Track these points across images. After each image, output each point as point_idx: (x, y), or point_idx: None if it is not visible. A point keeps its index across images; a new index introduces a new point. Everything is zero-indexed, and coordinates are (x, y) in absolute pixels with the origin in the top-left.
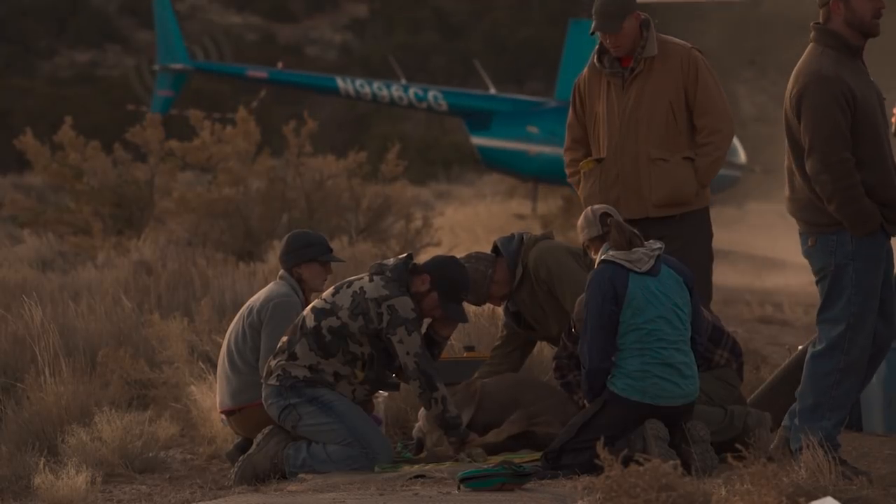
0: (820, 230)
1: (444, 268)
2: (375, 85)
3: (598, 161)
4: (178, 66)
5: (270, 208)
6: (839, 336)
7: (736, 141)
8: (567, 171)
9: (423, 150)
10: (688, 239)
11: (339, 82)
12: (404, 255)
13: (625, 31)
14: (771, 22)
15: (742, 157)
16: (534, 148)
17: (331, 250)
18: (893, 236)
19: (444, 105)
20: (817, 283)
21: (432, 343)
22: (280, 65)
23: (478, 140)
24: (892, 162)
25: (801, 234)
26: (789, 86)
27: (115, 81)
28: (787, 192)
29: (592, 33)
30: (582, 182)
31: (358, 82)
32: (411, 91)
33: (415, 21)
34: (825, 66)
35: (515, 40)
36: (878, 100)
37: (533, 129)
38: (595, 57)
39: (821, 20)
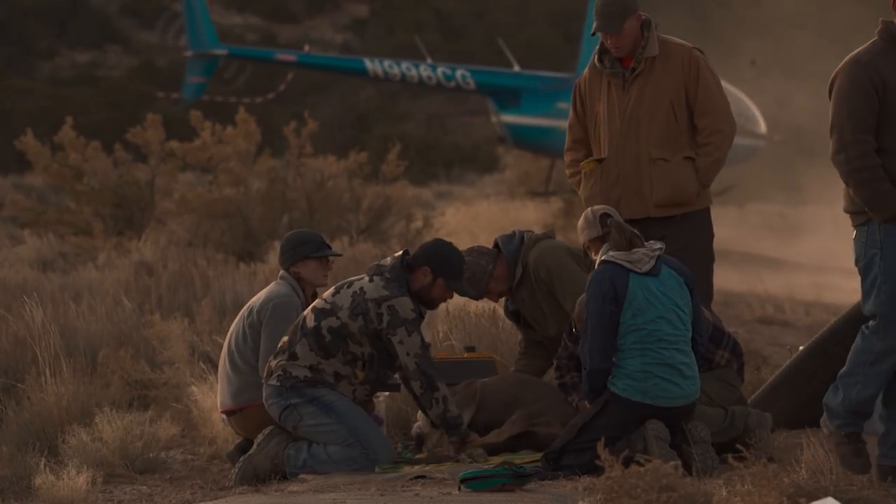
0: (857, 220)
1: (438, 252)
2: (404, 65)
3: (599, 161)
4: (217, 51)
5: (271, 209)
6: (876, 325)
7: (755, 110)
8: (567, 172)
9: (423, 150)
10: (689, 239)
11: (368, 63)
12: (399, 252)
13: (626, 31)
14: (772, 23)
15: (762, 126)
16: (565, 124)
17: (328, 246)
18: None
19: (472, 83)
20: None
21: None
22: (307, 48)
23: (508, 118)
24: None
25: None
26: None
27: (115, 82)
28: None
29: (594, 34)
30: (583, 182)
31: (386, 63)
32: (439, 70)
33: (415, 21)
34: (864, 52)
35: (516, 41)
36: None
37: (564, 106)
38: (596, 57)
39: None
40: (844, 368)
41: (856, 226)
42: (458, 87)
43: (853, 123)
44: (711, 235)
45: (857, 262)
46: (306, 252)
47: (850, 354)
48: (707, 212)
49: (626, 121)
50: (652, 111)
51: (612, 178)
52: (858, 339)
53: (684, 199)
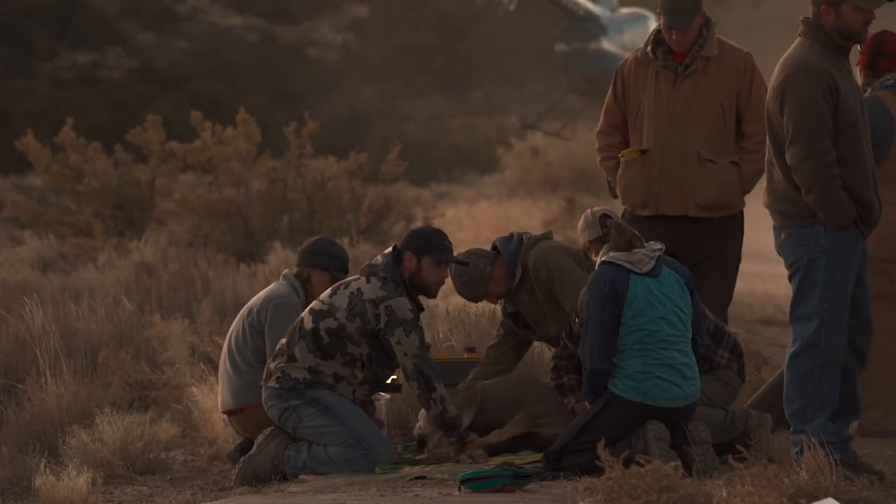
0: (794, 222)
1: (414, 234)
2: None
3: (643, 152)
4: None
5: (271, 209)
6: (814, 333)
7: None
8: (599, 155)
9: (423, 150)
10: (722, 244)
11: None
12: (388, 249)
13: (692, 27)
14: (772, 23)
15: None
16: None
17: (347, 270)
18: (866, 237)
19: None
20: (790, 278)
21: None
22: None
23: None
24: (870, 162)
25: (775, 228)
26: (773, 76)
27: (115, 83)
28: (765, 184)
29: (662, 28)
30: (621, 170)
31: None
32: None
33: (415, 22)
34: (811, 57)
35: (516, 41)
36: (859, 101)
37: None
38: (649, 47)
39: (811, 17)
40: (794, 406)
41: (790, 227)
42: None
43: (822, 132)
44: (742, 238)
45: (792, 265)
46: (330, 264)
47: (790, 391)
48: (741, 215)
49: (675, 116)
50: (702, 111)
51: (655, 172)
52: (790, 370)
53: (727, 203)
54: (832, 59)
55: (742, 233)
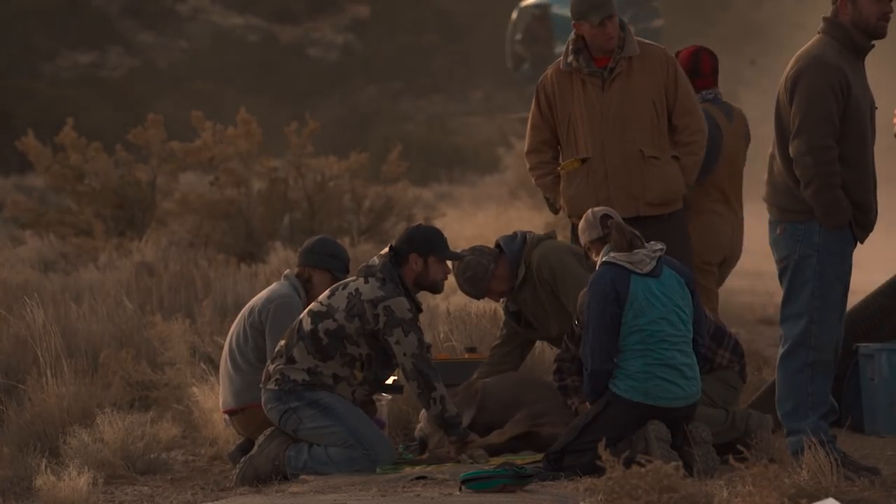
0: (791, 217)
1: (415, 235)
2: None
3: (583, 161)
4: None
5: (272, 209)
6: (803, 331)
7: None
8: (533, 174)
9: (424, 150)
10: (674, 241)
11: None
12: (384, 250)
13: (615, 20)
14: (772, 23)
15: None
16: None
17: (348, 270)
18: (860, 242)
19: None
20: (780, 274)
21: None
22: None
23: None
24: (872, 166)
25: (771, 222)
26: (787, 68)
27: (115, 83)
28: (765, 176)
29: (590, 32)
30: (564, 183)
31: None
32: None
33: (416, 22)
34: (827, 53)
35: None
36: (870, 105)
37: None
38: (571, 56)
39: (830, 15)
40: (787, 407)
41: (786, 221)
42: None
43: (827, 128)
44: (689, 237)
45: (782, 259)
46: (330, 265)
47: (782, 392)
48: (682, 213)
49: (611, 120)
50: (636, 110)
51: (600, 178)
52: (781, 370)
53: (674, 198)
54: (848, 58)
55: (687, 231)
